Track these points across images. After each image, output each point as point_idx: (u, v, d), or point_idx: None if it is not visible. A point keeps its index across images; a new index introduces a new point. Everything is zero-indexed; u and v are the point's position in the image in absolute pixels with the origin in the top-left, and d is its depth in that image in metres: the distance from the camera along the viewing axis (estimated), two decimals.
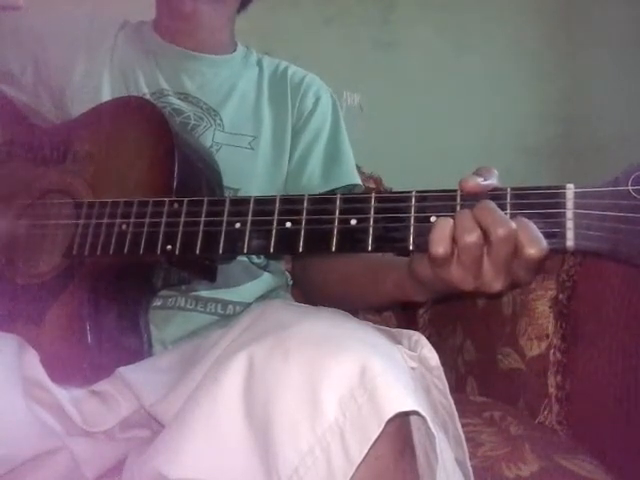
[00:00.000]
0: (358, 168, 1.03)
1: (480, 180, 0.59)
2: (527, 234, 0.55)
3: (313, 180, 0.95)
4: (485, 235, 0.56)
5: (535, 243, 0.55)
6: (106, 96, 0.91)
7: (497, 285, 0.59)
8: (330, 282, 0.91)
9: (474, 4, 1.66)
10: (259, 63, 1.04)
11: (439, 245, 0.56)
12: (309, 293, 1.01)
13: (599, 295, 0.84)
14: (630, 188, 0.54)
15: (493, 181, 0.59)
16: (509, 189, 0.58)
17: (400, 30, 1.64)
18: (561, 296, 0.89)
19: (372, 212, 0.61)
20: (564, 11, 1.69)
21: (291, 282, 1.04)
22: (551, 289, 0.90)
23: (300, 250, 0.62)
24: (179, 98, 0.94)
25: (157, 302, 0.82)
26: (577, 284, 0.88)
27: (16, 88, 0.93)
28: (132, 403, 0.70)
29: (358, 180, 0.99)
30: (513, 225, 0.55)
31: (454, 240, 0.57)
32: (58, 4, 1.03)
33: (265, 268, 0.94)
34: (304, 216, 0.63)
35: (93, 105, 0.85)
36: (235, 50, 1.03)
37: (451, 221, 0.57)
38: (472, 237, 0.56)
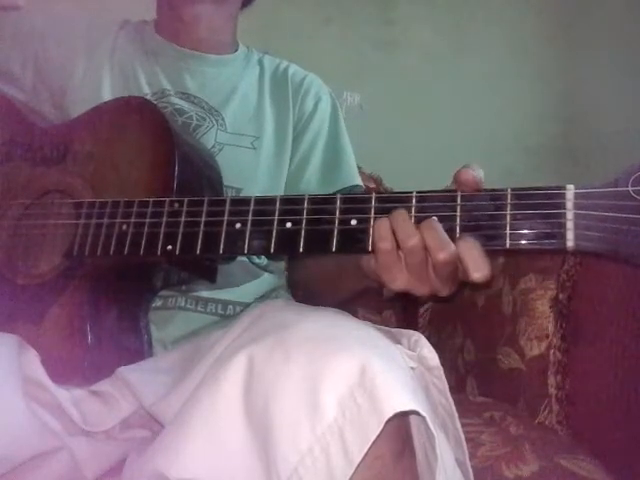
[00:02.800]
0: (358, 168, 1.03)
1: (474, 173, 0.59)
2: (434, 239, 0.57)
3: (310, 187, 0.96)
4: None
5: (443, 246, 0.57)
6: (107, 96, 0.91)
7: (445, 289, 0.61)
8: (310, 281, 0.93)
9: (474, 4, 1.66)
10: (260, 62, 1.04)
11: (384, 240, 0.58)
12: (295, 293, 1.01)
13: (599, 295, 0.84)
14: (630, 189, 0.54)
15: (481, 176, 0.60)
16: (509, 189, 0.58)
17: (400, 30, 1.64)
18: (561, 296, 0.89)
19: (372, 212, 0.61)
20: (564, 11, 1.69)
21: None
22: (551, 289, 0.90)
23: (300, 250, 0.62)
24: (181, 98, 0.94)
25: (157, 302, 0.82)
26: (577, 284, 0.88)
27: (16, 88, 0.93)
28: (132, 403, 0.70)
29: (358, 181, 0.99)
30: (417, 238, 0.58)
31: (398, 246, 0.58)
32: (58, 4, 1.03)
33: (265, 268, 0.94)
34: (304, 216, 0.63)
35: (93, 105, 0.85)
36: (237, 50, 1.03)
37: (387, 221, 0.59)
38: (414, 240, 0.57)
